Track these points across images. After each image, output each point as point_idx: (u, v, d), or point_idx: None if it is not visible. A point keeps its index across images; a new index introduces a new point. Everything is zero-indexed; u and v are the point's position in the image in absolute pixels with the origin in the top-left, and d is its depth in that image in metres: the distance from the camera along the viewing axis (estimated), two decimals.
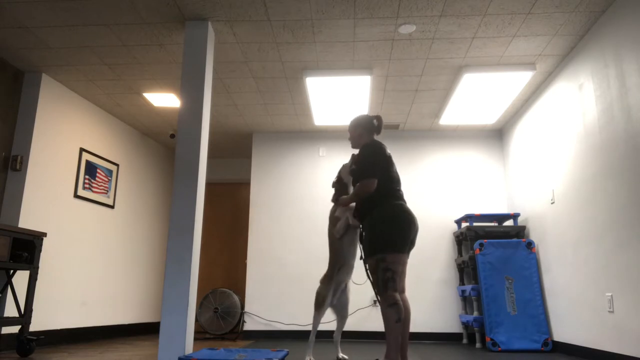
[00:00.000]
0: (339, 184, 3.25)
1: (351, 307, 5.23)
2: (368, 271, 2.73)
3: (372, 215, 2.69)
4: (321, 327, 5.17)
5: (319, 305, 3.18)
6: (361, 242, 2.86)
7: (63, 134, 4.59)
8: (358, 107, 4.92)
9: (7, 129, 4.16)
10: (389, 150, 2.83)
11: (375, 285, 2.65)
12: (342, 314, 3.35)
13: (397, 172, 2.85)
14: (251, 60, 4.09)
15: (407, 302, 2.73)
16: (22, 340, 3.50)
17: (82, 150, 4.82)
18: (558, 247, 4.16)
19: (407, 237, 2.63)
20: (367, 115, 3.00)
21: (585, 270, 3.68)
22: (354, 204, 3.01)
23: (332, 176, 5.70)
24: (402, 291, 2.73)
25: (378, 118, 2.97)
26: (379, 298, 2.64)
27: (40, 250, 3.74)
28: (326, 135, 5.83)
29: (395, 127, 5.61)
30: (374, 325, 5.21)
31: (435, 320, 5.16)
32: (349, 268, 3.19)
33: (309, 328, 5.24)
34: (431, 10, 3.36)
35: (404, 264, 2.65)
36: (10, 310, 3.93)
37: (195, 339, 5.16)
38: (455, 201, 5.51)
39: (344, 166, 3.25)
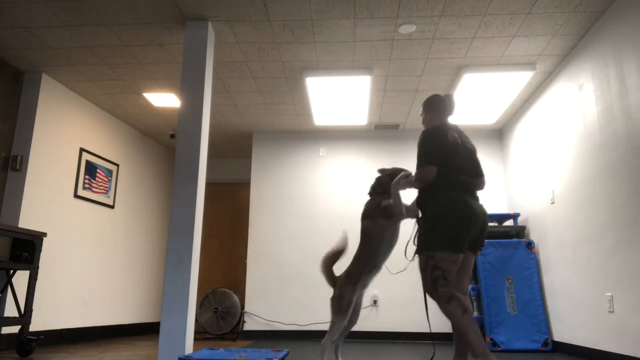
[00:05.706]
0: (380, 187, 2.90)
1: None
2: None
3: (426, 208, 2.49)
4: (320, 327, 5.17)
5: (343, 311, 2.72)
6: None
7: (63, 134, 4.59)
8: (358, 107, 4.93)
9: (7, 129, 4.16)
10: (455, 135, 2.58)
11: (423, 283, 2.42)
12: (352, 320, 2.94)
13: (467, 160, 2.52)
14: (251, 60, 4.09)
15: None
16: (22, 340, 3.50)
17: (82, 150, 4.82)
18: (558, 247, 4.16)
19: (463, 234, 2.35)
20: (438, 96, 2.74)
21: (585, 270, 3.68)
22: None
23: (332, 176, 5.69)
24: (464, 293, 2.51)
25: (449, 97, 2.71)
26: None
27: (40, 250, 3.74)
28: (326, 135, 5.83)
29: (395, 127, 5.61)
30: (375, 325, 5.21)
31: (435, 320, 5.16)
32: (378, 271, 2.82)
33: (309, 328, 5.24)
34: (431, 10, 3.36)
35: (456, 263, 2.35)
36: (10, 310, 3.93)
37: (195, 339, 5.15)
38: None
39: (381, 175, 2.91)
